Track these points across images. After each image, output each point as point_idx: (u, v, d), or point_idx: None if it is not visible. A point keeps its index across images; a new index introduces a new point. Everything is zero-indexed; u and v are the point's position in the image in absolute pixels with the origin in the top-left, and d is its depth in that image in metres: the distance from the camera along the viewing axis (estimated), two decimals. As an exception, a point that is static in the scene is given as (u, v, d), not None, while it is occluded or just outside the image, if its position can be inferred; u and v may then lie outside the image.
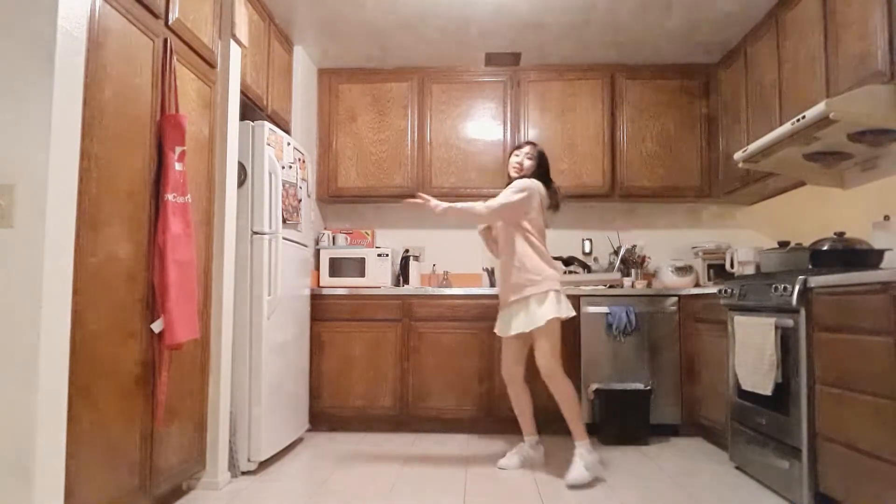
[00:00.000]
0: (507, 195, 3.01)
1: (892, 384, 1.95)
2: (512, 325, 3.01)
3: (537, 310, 2.93)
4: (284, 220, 3.22)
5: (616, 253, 4.25)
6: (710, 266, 4.09)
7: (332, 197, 4.29)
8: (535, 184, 3.06)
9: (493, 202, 3.01)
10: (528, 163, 3.11)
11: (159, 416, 2.25)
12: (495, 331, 3.16)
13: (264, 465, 3.06)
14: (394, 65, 4.29)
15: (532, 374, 3.09)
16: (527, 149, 3.15)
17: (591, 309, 3.79)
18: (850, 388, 2.18)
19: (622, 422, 3.52)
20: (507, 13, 3.55)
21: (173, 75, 2.33)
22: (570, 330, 3.79)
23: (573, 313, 3.02)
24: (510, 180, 3.13)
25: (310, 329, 3.81)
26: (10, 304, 1.68)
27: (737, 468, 3.03)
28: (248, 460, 2.94)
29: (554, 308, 2.92)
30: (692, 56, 4.11)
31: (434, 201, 3.01)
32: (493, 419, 3.74)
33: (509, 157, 3.20)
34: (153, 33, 2.24)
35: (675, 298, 3.79)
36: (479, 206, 3.01)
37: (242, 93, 3.04)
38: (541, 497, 2.61)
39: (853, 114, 2.48)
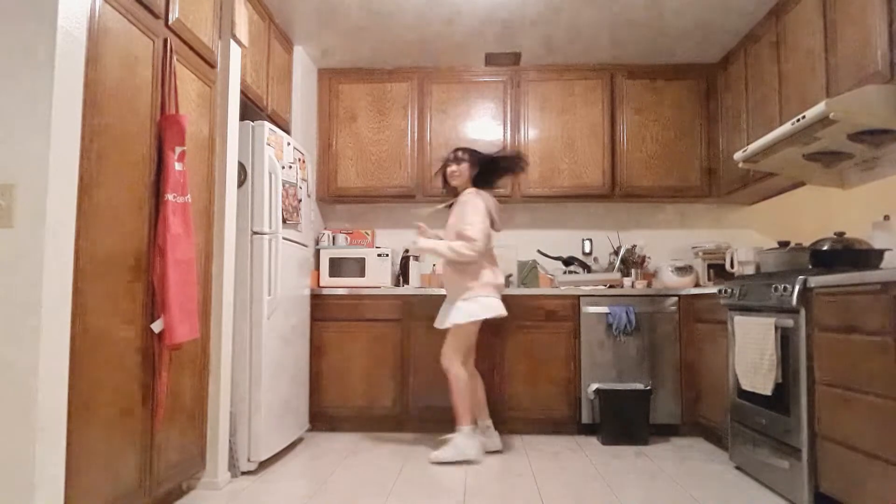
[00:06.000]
0: (470, 223, 3.21)
1: (892, 384, 1.95)
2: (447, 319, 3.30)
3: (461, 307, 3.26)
4: (284, 220, 3.22)
5: (616, 253, 4.25)
6: (710, 266, 4.09)
7: (332, 197, 4.29)
8: (481, 195, 3.32)
9: (469, 240, 3.19)
10: (464, 166, 3.37)
11: (159, 416, 2.25)
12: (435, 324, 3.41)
13: (264, 465, 3.06)
14: (394, 65, 4.29)
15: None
16: (458, 153, 3.41)
17: (591, 309, 3.79)
18: (850, 388, 2.18)
19: (622, 422, 3.52)
20: (506, 13, 3.55)
21: (173, 75, 2.33)
22: (570, 330, 3.80)
23: (492, 314, 3.24)
24: (449, 188, 3.44)
25: (310, 329, 3.80)
26: (10, 304, 1.68)
27: (737, 468, 3.03)
28: (248, 460, 2.94)
29: (465, 314, 3.22)
30: (692, 56, 4.11)
31: (422, 239, 3.36)
32: (494, 419, 3.73)
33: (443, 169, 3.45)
34: (153, 33, 2.24)
35: (675, 298, 3.79)
36: (460, 247, 3.19)
37: (242, 93, 3.04)
38: (541, 497, 2.61)
39: (853, 114, 2.48)
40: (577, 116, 4.21)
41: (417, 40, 3.91)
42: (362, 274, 4.08)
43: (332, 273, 4.08)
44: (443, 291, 3.73)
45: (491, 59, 4.20)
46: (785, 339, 2.56)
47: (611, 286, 3.95)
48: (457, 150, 3.47)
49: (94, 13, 1.90)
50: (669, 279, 4.04)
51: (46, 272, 1.69)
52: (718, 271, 4.04)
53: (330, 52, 4.08)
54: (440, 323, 3.39)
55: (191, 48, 2.51)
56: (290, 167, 3.34)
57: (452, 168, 3.40)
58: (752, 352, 2.74)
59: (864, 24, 2.54)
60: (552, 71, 4.25)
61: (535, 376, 3.78)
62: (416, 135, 4.25)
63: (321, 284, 4.07)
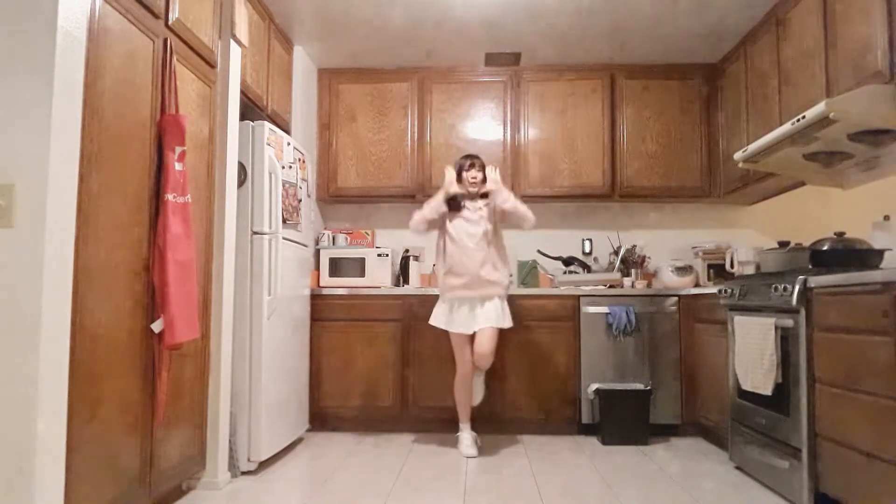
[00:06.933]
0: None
1: (892, 384, 1.95)
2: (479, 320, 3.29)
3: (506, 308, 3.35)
4: (284, 220, 3.22)
5: (616, 253, 4.25)
6: (710, 266, 4.09)
7: (332, 197, 4.29)
8: None
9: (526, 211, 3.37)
10: (482, 175, 3.40)
11: (159, 416, 2.25)
12: (459, 330, 3.32)
13: (264, 465, 3.06)
14: (394, 65, 4.29)
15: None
16: (479, 161, 3.43)
17: (591, 309, 3.79)
18: (849, 388, 2.18)
19: (622, 422, 3.52)
20: (507, 13, 3.55)
21: (173, 75, 2.33)
22: (570, 330, 3.80)
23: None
24: (468, 195, 3.38)
25: (310, 329, 3.81)
26: (11, 304, 1.68)
27: (737, 468, 3.03)
28: (248, 460, 2.94)
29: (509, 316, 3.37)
30: (692, 56, 4.11)
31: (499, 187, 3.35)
32: (494, 418, 3.73)
33: (460, 172, 3.41)
34: (153, 33, 2.24)
35: (675, 298, 3.79)
36: (529, 213, 3.35)
37: (242, 93, 3.04)
38: (541, 497, 2.61)
39: (853, 114, 2.48)
40: (577, 116, 4.21)
41: (417, 40, 3.91)
42: (362, 274, 4.08)
43: (332, 273, 4.08)
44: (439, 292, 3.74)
45: (491, 59, 4.20)
46: (785, 339, 2.56)
47: (611, 286, 3.95)
48: (474, 156, 3.43)
49: (94, 13, 1.90)
50: (669, 279, 4.04)
51: (46, 272, 1.69)
52: (718, 271, 4.04)
53: (330, 52, 4.08)
54: (483, 322, 3.24)
55: (191, 48, 2.51)
56: (290, 167, 3.34)
57: (477, 175, 3.37)
58: (753, 352, 2.74)
59: (864, 24, 2.54)
60: (552, 71, 4.25)
61: (535, 376, 3.78)
62: (416, 135, 4.25)
63: (321, 284, 4.07)
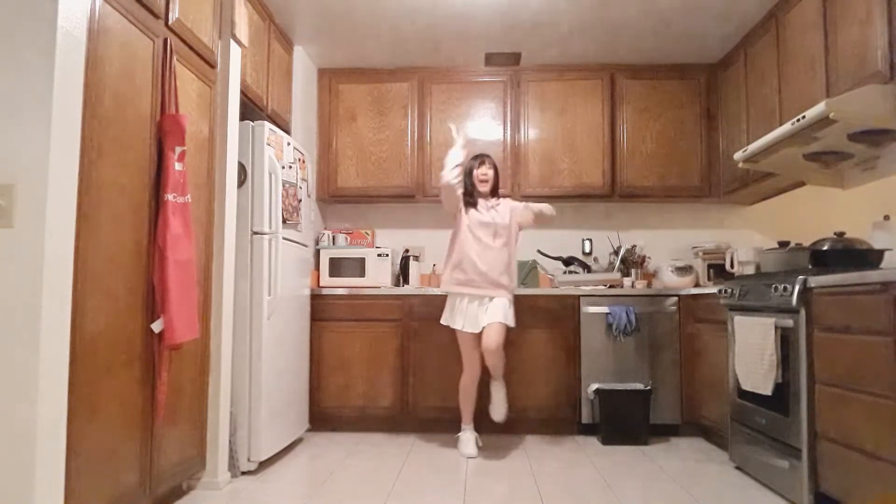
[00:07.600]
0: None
1: (892, 384, 1.95)
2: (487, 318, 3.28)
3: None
4: (284, 220, 3.22)
5: (616, 253, 4.25)
6: (710, 266, 4.09)
7: (332, 197, 4.29)
8: None
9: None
10: (493, 172, 3.46)
11: (159, 416, 2.25)
12: (468, 329, 3.31)
13: (264, 465, 3.06)
14: (394, 65, 4.29)
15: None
16: (490, 159, 3.49)
17: (591, 309, 3.79)
18: (849, 388, 2.18)
19: (622, 422, 3.52)
20: (507, 13, 3.55)
21: (173, 75, 2.33)
22: (570, 330, 3.80)
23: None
24: (475, 192, 3.42)
25: (310, 329, 3.81)
26: (11, 303, 1.68)
27: (737, 468, 3.03)
28: (248, 460, 2.95)
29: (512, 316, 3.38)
30: (692, 56, 4.11)
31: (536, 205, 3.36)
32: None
33: (471, 171, 3.43)
34: (153, 33, 2.24)
35: (675, 298, 3.79)
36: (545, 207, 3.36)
37: (242, 93, 3.04)
38: (541, 497, 2.61)
39: (853, 114, 2.48)
40: (577, 116, 4.21)
41: (417, 40, 3.91)
42: (362, 274, 4.08)
43: (332, 273, 4.08)
44: (439, 292, 3.74)
45: (491, 59, 4.20)
46: (785, 339, 2.56)
47: (611, 286, 3.95)
48: (485, 155, 3.49)
49: (94, 13, 1.90)
50: (669, 279, 4.04)
51: (46, 272, 1.69)
52: (718, 271, 4.04)
53: (330, 52, 4.08)
54: (491, 317, 3.24)
55: (191, 48, 2.51)
56: (290, 167, 3.34)
57: (488, 172, 3.42)
58: (753, 352, 2.75)
59: (864, 24, 2.54)
60: (552, 71, 4.25)
61: (535, 376, 3.78)
62: (416, 135, 4.25)
63: (321, 284, 4.07)
